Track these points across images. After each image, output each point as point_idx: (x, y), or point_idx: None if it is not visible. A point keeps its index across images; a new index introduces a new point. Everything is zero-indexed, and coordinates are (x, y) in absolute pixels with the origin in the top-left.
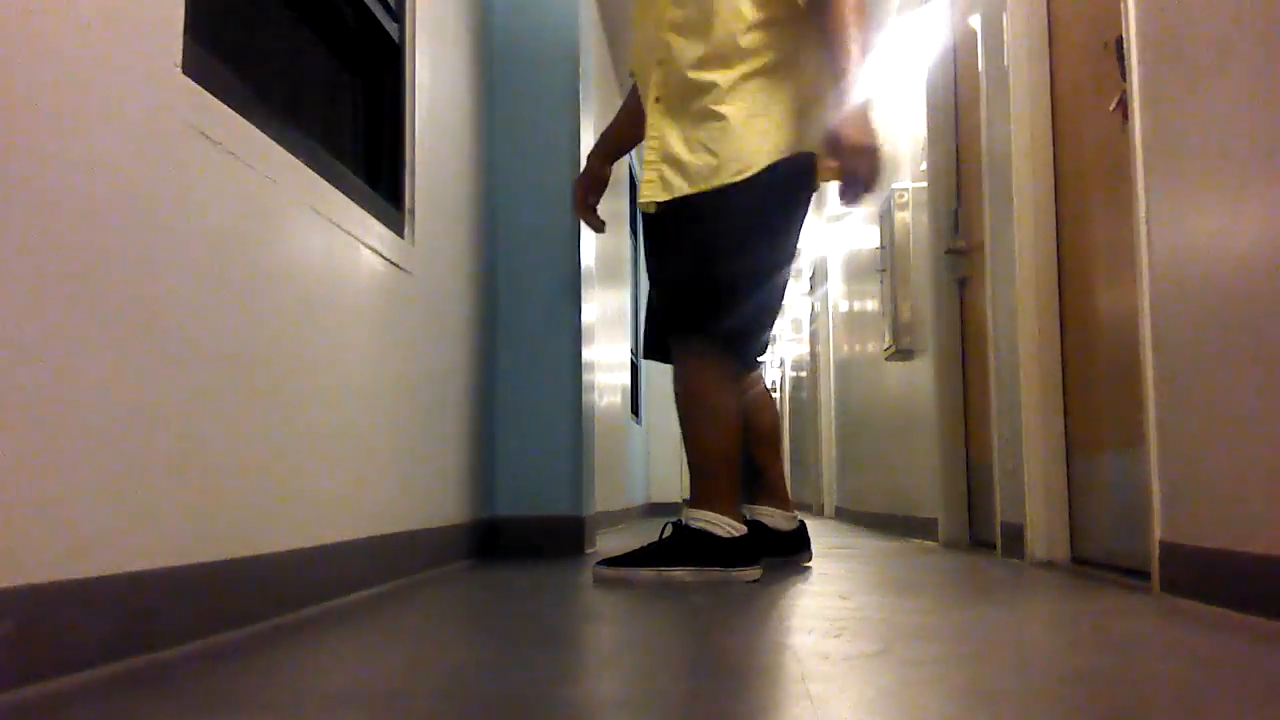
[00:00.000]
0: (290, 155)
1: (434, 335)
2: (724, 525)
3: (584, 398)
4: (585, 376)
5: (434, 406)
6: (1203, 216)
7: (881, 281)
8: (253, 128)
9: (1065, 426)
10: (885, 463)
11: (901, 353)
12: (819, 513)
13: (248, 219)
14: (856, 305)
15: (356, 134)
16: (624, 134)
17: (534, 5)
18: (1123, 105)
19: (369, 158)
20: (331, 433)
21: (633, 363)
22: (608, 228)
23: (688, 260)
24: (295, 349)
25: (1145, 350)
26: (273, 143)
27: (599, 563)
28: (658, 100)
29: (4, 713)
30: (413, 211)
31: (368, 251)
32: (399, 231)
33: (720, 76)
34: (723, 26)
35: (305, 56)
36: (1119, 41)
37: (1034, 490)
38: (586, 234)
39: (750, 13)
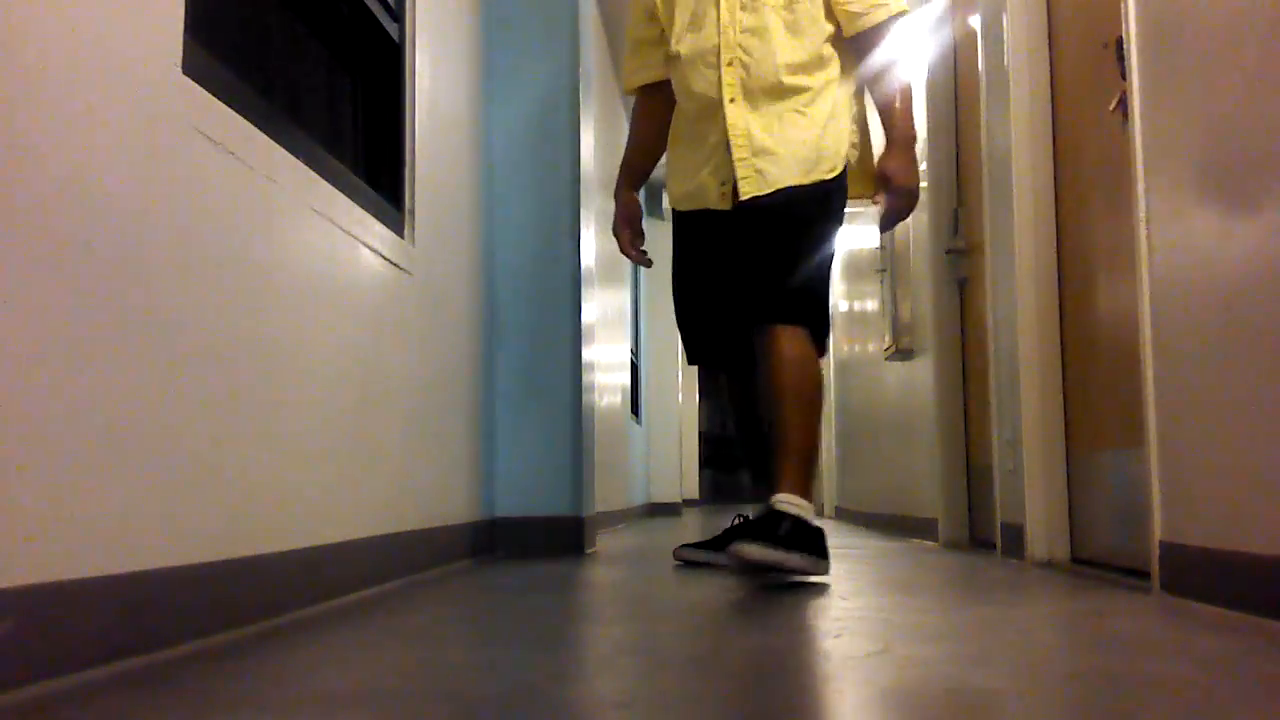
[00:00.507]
0: (290, 155)
1: (434, 335)
2: (813, 515)
3: (584, 398)
4: (585, 376)
5: (434, 406)
6: (1203, 216)
7: (881, 281)
8: (253, 128)
9: (1065, 426)
10: (885, 463)
11: (901, 353)
12: (819, 513)
13: (247, 219)
14: (856, 305)
15: (356, 133)
16: (649, 151)
17: (534, 5)
18: (1123, 105)
19: (369, 157)
20: (331, 432)
21: (633, 363)
22: (609, 228)
23: (792, 251)
24: (294, 349)
25: (1145, 350)
26: (273, 143)
27: (742, 541)
28: (732, 101)
29: (4, 713)
30: (413, 211)
31: (368, 251)
32: (399, 231)
33: (810, 81)
34: (808, 35)
35: (305, 56)
36: (1119, 41)
37: (1034, 490)
38: (586, 234)
39: (826, 25)
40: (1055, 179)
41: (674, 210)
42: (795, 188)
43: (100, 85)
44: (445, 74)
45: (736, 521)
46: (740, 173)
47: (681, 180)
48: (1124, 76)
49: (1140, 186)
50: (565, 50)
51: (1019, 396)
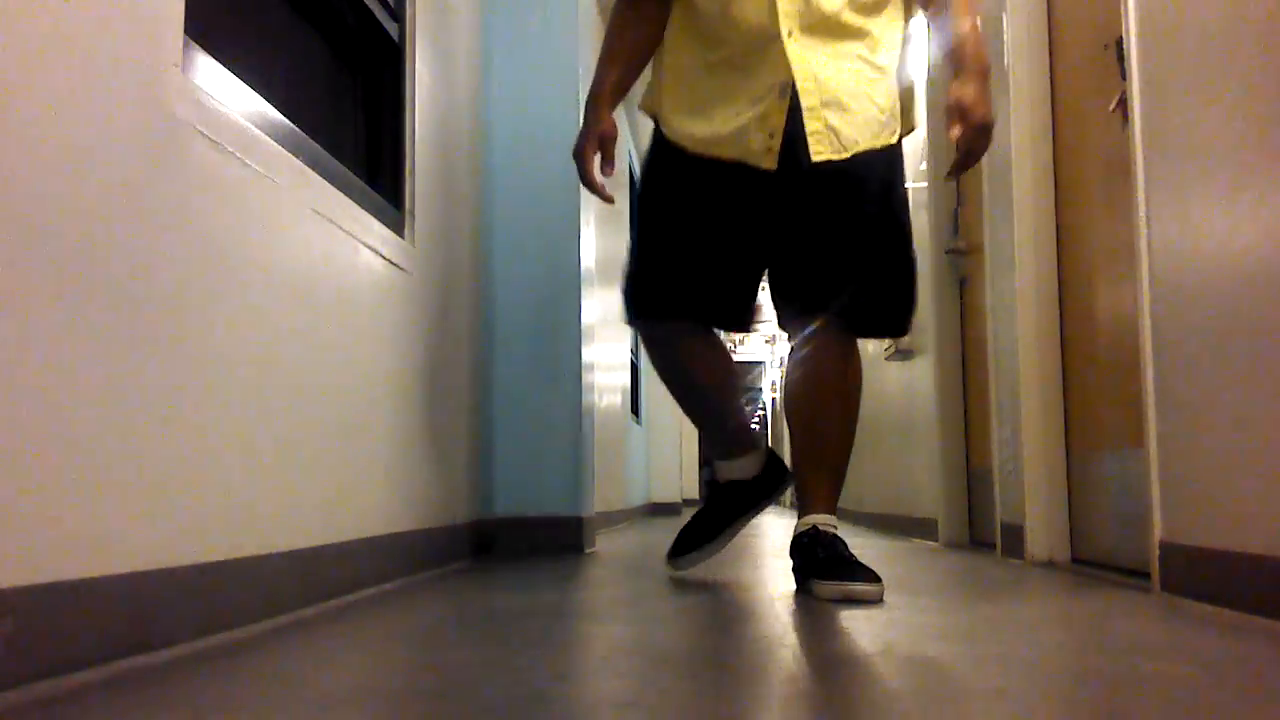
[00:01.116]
0: (290, 155)
1: (433, 335)
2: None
3: (584, 398)
4: (585, 376)
5: (433, 406)
6: (1202, 216)
7: None
8: (253, 128)
9: (1065, 426)
10: (885, 463)
11: (901, 353)
12: None
13: (247, 219)
14: None
15: (356, 134)
16: (635, 64)
17: (534, 5)
18: (1123, 105)
19: (369, 157)
20: (331, 432)
21: (633, 363)
22: (608, 227)
23: (873, 235)
24: (294, 349)
25: (1145, 350)
26: (273, 143)
27: (819, 580)
28: (790, 35)
29: (4, 713)
30: (413, 211)
31: (368, 251)
32: (399, 231)
33: (872, 24)
34: None
35: (305, 56)
36: (1119, 41)
37: (1034, 490)
38: (586, 234)
39: None
40: (1055, 179)
41: (675, 149)
42: (869, 152)
43: (99, 85)
44: (445, 74)
45: (704, 487)
46: (810, 126)
47: (703, 119)
48: (1124, 76)
49: (1140, 186)
50: (565, 49)
51: (1019, 396)
